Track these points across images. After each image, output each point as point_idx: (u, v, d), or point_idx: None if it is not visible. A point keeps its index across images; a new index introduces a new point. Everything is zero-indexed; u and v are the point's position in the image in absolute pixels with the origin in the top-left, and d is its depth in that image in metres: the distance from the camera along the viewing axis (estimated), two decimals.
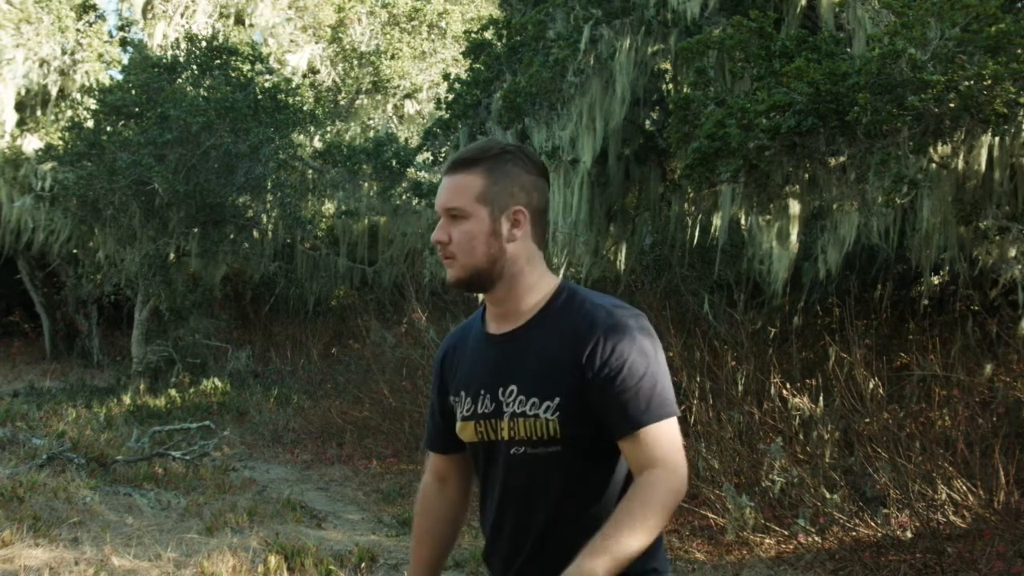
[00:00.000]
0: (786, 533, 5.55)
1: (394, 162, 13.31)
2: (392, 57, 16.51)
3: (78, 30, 15.14)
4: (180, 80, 13.24)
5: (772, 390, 6.64)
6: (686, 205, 8.69)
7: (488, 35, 9.90)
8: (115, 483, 7.36)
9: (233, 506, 6.74)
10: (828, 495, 5.60)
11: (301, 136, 14.24)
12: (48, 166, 13.92)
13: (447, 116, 10.00)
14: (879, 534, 5.34)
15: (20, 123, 15.23)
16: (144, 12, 16.23)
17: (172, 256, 13.03)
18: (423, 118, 16.64)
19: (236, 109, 12.32)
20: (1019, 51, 5.24)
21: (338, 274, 14.25)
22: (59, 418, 9.96)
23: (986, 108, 5.30)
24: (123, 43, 16.53)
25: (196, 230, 12.62)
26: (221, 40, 14.33)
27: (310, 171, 13.88)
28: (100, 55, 15.22)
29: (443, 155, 10.38)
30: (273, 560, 5.25)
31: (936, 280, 7.80)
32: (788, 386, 6.64)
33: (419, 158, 13.08)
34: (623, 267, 9.55)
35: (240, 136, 12.34)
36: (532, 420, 1.87)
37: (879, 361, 6.54)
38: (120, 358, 14.96)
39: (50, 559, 5.29)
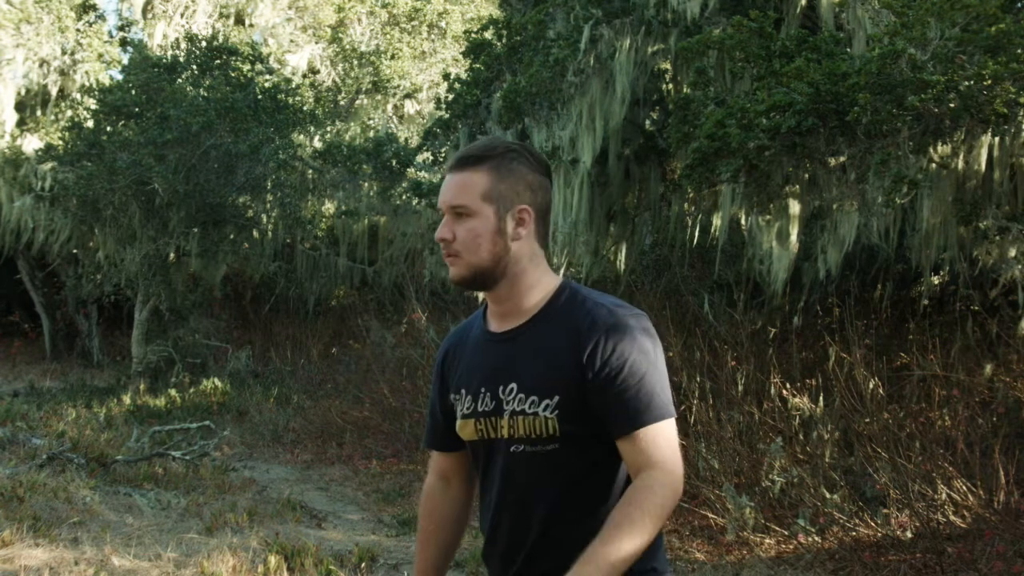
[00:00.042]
0: (786, 533, 5.55)
1: (394, 162, 13.31)
2: (392, 57, 16.51)
3: (78, 30, 15.14)
4: (180, 80, 13.24)
5: (772, 390, 6.64)
6: (686, 205, 8.69)
7: (488, 35, 9.90)
8: (115, 483, 7.36)
9: (233, 506, 6.74)
10: (828, 495, 5.60)
11: (301, 136, 14.23)
12: (48, 166, 13.92)
13: (447, 116, 10.00)
14: (879, 534, 5.35)
15: (20, 123, 15.23)
16: (144, 12, 16.23)
17: (172, 256, 13.03)
18: (423, 118, 16.63)
19: (236, 109, 12.32)
20: (1019, 51, 5.24)
21: (338, 274, 14.25)
22: (59, 418, 9.96)
23: (986, 108, 5.30)
24: (123, 43, 16.53)
25: (196, 230, 12.61)
26: (221, 40, 14.33)
27: (310, 171, 13.88)
28: (100, 55, 15.22)
29: (443, 155, 10.38)
30: (273, 560, 5.25)
31: (936, 280, 7.80)
32: (788, 386, 6.64)
33: (419, 158, 13.07)
34: (623, 267, 9.55)
35: (240, 136, 12.33)
36: (532, 418, 1.87)
37: (879, 361, 6.54)
38: (120, 358, 14.96)
39: (50, 559, 5.29)
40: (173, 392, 11.57)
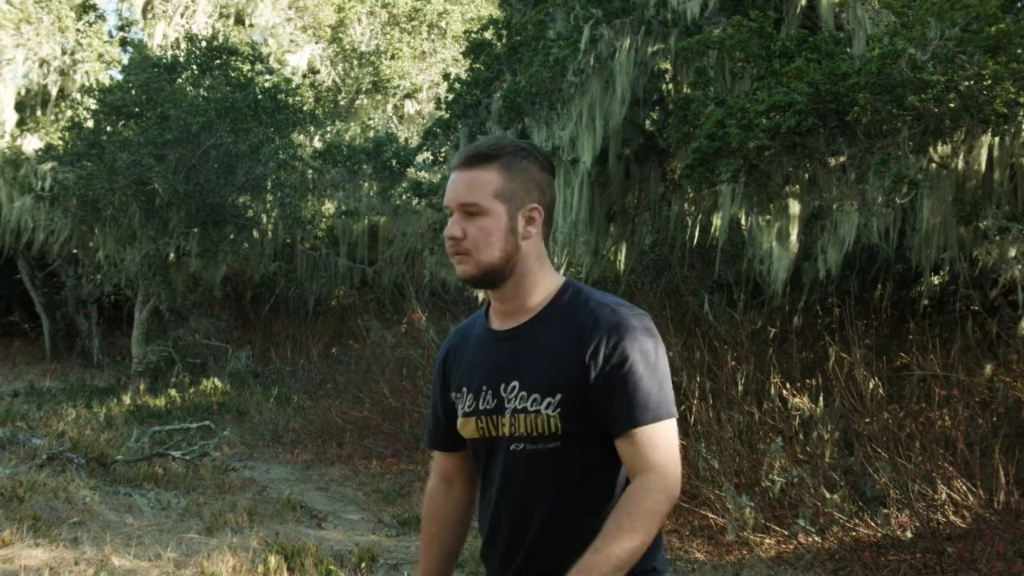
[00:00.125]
0: (786, 533, 5.55)
1: (394, 162, 13.31)
2: (392, 57, 16.51)
3: (78, 30, 15.14)
4: (180, 80, 13.23)
5: (772, 390, 6.64)
6: (686, 205, 8.69)
7: (488, 35, 9.90)
8: (115, 483, 7.36)
9: (233, 506, 6.74)
10: (828, 495, 5.60)
11: (301, 136, 14.23)
12: (48, 166, 13.92)
13: (447, 116, 10.00)
14: (879, 534, 5.35)
15: (20, 123, 15.23)
16: (144, 12, 16.23)
17: (172, 256, 13.03)
18: (423, 118, 16.63)
19: (236, 109, 12.32)
20: (1019, 51, 5.24)
21: (338, 274, 14.25)
22: (59, 418, 9.96)
23: (986, 108, 5.30)
24: (123, 43, 16.53)
25: (196, 230, 12.61)
26: (221, 40, 14.33)
27: (310, 171, 13.88)
28: (100, 55, 15.21)
29: (443, 155, 10.37)
30: (273, 560, 5.25)
31: (936, 280, 7.80)
32: (788, 386, 6.64)
33: (419, 158, 13.07)
34: (623, 267, 9.55)
35: (240, 136, 12.33)
36: (533, 416, 1.87)
37: (879, 361, 6.54)
38: (120, 358, 14.96)
39: (50, 559, 5.29)
40: (173, 392, 11.57)
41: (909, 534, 5.26)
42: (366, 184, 13.72)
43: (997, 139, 5.74)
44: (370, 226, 14.15)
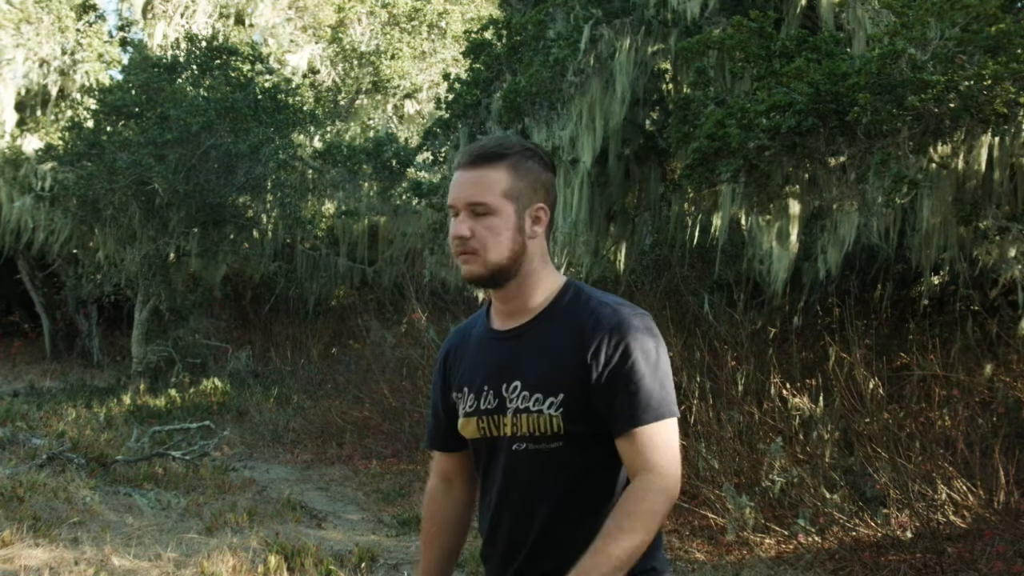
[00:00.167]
0: (786, 533, 5.55)
1: (394, 162, 13.31)
2: (392, 57, 16.51)
3: (78, 30, 15.14)
4: (180, 80, 13.23)
5: (772, 390, 6.64)
6: (686, 205, 8.69)
7: (488, 35, 9.90)
8: (115, 483, 7.35)
9: (233, 506, 6.74)
10: (828, 495, 5.60)
11: (301, 136, 14.23)
12: (48, 166, 13.92)
13: (447, 116, 10.00)
14: (879, 534, 5.35)
15: (20, 123, 15.23)
16: (144, 12, 16.23)
17: (172, 256, 13.03)
18: (423, 118, 16.63)
19: (236, 109, 12.32)
20: (1019, 51, 5.24)
21: (338, 274, 14.24)
22: (59, 418, 9.96)
23: (986, 108, 5.30)
24: (123, 43, 16.52)
25: (196, 230, 12.61)
26: (221, 40, 14.32)
27: (310, 171, 13.88)
28: (100, 55, 15.21)
29: (443, 155, 10.37)
30: (273, 560, 5.25)
31: (936, 280, 7.80)
32: (788, 386, 6.64)
33: (419, 158, 13.07)
34: (623, 267, 9.55)
35: (240, 136, 12.33)
36: (536, 416, 1.87)
37: (879, 361, 6.54)
38: (120, 358, 14.96)
39: (50, 559, 5.29)
40: (173, 392, 11.57)
41: (909, 534, 5.26)
42: (366, 184, 13.72)
43: (997, 139, 5.74)
44: (370, 226, 14.15)
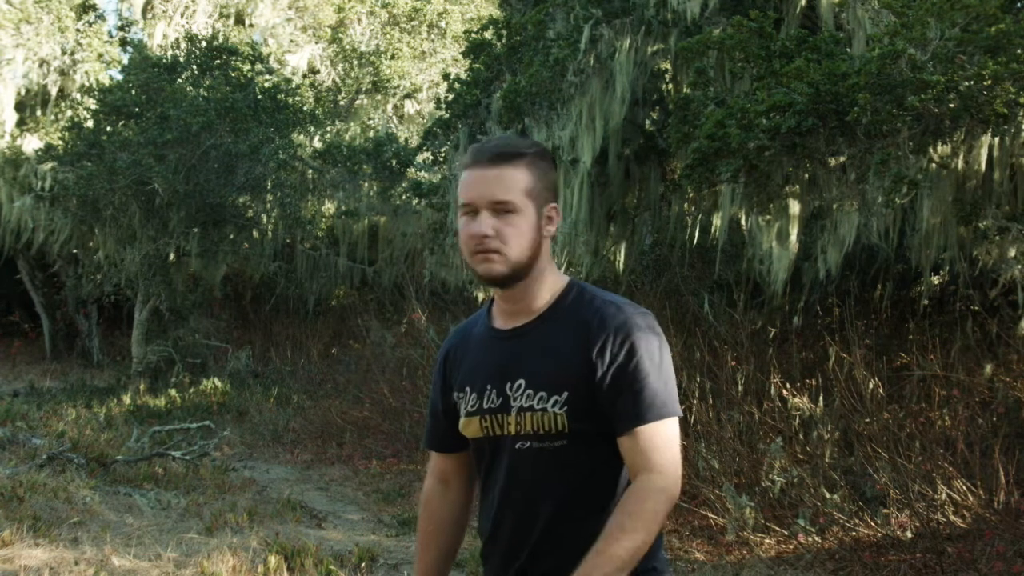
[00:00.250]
0: (786, 533, 5.55)
1: (394, 162, 13.31)
2: (392, 57, 16.51)
3: (78, 30, 15.14)
4: (180, 80, 13.23)
5: (772, 390, 6.64)
6: (686, 205, 8.69)
7: (488, 35, 9.90)
8: (115, 483, 7.35)
9: (233, 506, 6.74)
10: (828, 495, 5.60)
11: (301, 136, 14.23)
12: (48, 166, 13.91)
13: (447, 116, 10.00)
14: (879, 534, 5.35)
15: (20, 123, 15.22)
16: (144, 12, 16.23)
17: (172, 256, 13.02)
18: (423, 118, 16.63)
19: (236, 109, 12.32)
20: (1019, 51, 5.24)
21: (338, 274, 14.24)
22: (59, 418, 9.96)
23: (986, 108, 5.30)
24: (123, 43, 16.52)
25: (196, 230, 12.61)
26: (221, 40, 14.32)
27: (310, 171, 13.88)
28: (100, 55, 15.21)
29: (443, 155, 10.37)
30: (273, 560, 5.25)
31: (936, 280, 7.80)
32: (788, 386, 6.64)
33: (419, 158, 13.07)
34: (623, 267, 9.55)
35: (240, 136, 12.33)
36: (540, 414, 1.88)
37: (879, 361, 6.54)
38: (120, 358, 14.96)
39: (50, 559, 5.30)
40: (173, 392, 11.57)
41: (909, 534, 5.26)
42: (366, 184, 13.72)
43: (997, 139, 5.74)
44: (370, 226, 14.15)
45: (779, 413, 6.51)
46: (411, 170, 13.69)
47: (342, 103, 16.96)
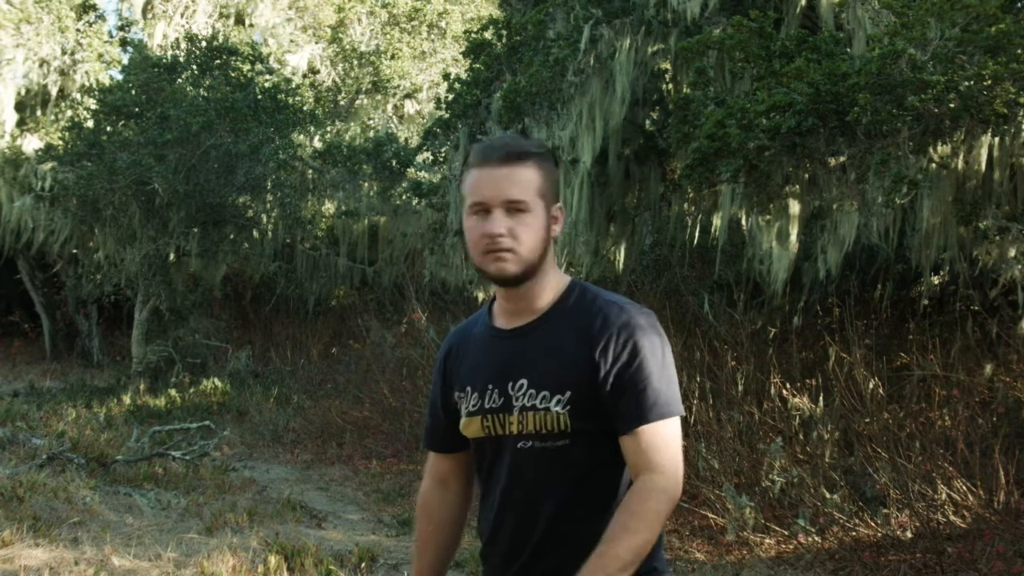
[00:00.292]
0: (786, 533, 5.55)
1: (394, 162, 13.31)
2: (392, 57, 16.51)
3: (78, 30, 15.14)
4: (180, 80, 13.23)
5: (772, 390, 6.64)
6: (686, 205, 8.69)
7: (488, 35, 9.90)
8: (115, 483, 7.36)
9: (233, 506, 6.74)
10: (828, 495, 5.60)
11: (301, 136, 14.23)
12: (48, 166, 13.91)
13: (447, 116, 9.99)
14: (879, 534, 5.35)
15: (20, 123, 15.22)
16: (144, 12, 16.23)
17: (172, 256, 13.02)
18: (423, 118, 16.63)
19: (236, 109, 12.32)
20: (1019, 51, 5.24)
21: (338, 274, 14.25)
22: (59, 418, 9.96)
23: (986, 108, 5.30)
24: (123, 43, 16.52)
25: (196, 230, 12.61)
26: (221, 40, 14.32)
27: (310, 171, 13.88)
28: (100, 55, 15.21)
29: (443, 155, 10.36)
30: (273, 560, 5.25)
31: (936, 280, 7.80)
32: (788, 386, 6.64)
33: (419, 158, 13.07)
34: (623, 267, 9.54)
35: (240, 136, 12.33)
36: (542, 414, 1.88)
37: (879, 361, 6.54)
38: (120, 358, 14.96)
39: (50, 559, 5.30)
40: (173, 392, 11.57)
41: (909, 534, 5.26)
42: (366, 184, 13.72)
43: (997, 139, 5.74)
44: (370, 226, 14.16)
45: (779, 413, 6.51)
46: (411, 170, 13.69)
47: (342, 103, 16.96)
